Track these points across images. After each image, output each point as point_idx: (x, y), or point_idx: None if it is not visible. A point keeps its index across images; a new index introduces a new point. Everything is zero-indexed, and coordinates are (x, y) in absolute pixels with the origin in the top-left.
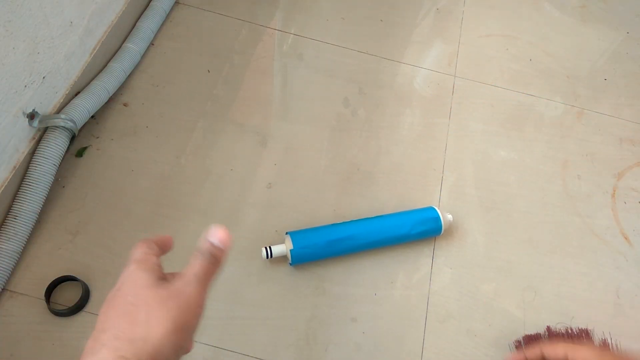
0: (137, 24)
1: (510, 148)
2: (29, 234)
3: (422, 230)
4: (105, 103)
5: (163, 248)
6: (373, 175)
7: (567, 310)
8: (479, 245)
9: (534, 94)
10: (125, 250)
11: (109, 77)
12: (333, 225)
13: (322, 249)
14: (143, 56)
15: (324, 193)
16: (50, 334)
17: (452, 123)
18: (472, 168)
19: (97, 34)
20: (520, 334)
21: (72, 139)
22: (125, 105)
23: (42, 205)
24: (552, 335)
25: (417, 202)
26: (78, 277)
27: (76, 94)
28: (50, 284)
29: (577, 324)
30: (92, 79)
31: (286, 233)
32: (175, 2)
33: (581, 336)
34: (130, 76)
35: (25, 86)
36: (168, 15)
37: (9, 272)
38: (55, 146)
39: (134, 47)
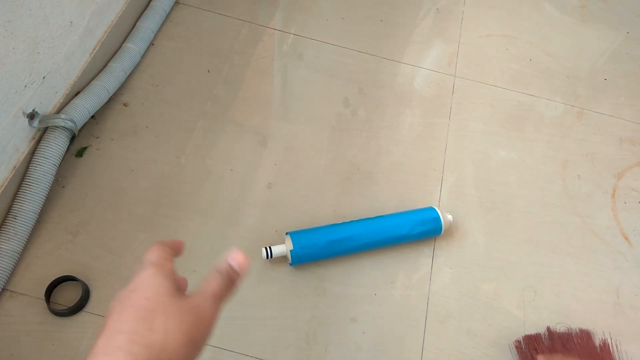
0: (137, 24)
1: (510, 148)
2: (29, 234)
3: (422, 230)
4: (105, 103)
5: (176, 252)
6: (373, 175)
7: (567, 310)
8: (479, 245)
9: (534, 94)
10: (125, 250)
11: (109, 77)
12: (333, 225)
13: (322, 249)
14: (143, 56)
15: (324, 193)
16: (50, 334)
17: (452, 123)
18: (472, 168)
19: (97, 34)
20: (520, 334)
21: (72, 139)
22: (125, 105)
23: (42, 205)
24: (552, 335)
25: (417, 202)
26: (78, 277)
27: (76, 94)
28: (50, 284)
29: (577, 324)
30: (92, 79)
31: (286, 233)
32: (175, 2)
33: (581, 337)
34: (130, 76)
35: (25, 86)
36: (168, 15)
37: (9, 272)
38: (55, 146)
39: (134, 47)
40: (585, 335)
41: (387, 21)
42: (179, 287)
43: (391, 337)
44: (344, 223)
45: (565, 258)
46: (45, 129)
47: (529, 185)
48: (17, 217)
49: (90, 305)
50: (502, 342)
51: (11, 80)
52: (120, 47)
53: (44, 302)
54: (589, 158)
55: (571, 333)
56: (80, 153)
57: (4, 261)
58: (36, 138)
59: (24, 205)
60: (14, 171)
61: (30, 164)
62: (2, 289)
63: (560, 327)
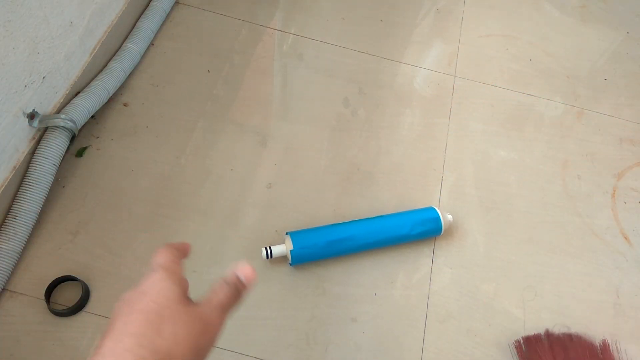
0: (137, 24)
1: (510, 148)
2: (29, 234)
3: (422, 230)
4: (105, 103)
5: (184, 255)
6: (373, 175)
7: (567, 310)
8: (479, 245)
9: (534, 94)
10: (125, 250)
11: (109, 77)
12: (333, 225)
13: (322, 249)
14: (143, 56)
15: (324, 193)
16: (50, 334)
17: (452, 123)
18: (472, 168)
19: (97, 34)
20: (520, 334)
21: (72, 139)
22: (125, 105)
23: (42, 205)
24: (551, 337)
25: (417, 202)
26: (78, 277)
27: (76, 94)
28: (50, 284)
29: (577, 323)
30: (92, 79)
31: (286, 233)
32: (175, 2)
33: (581, 339)
34: (130, 76)
35: (25, 86)
36: (168, 15)
37: (9, 272)
38: (55, 146)
39: (134, 47)
40: (585, 338)
41: (387, 21)
42: (187, 294)
43: (391, 337)
44: (344, 223)
45: (565, 258)
46: (45, 129)
47: (529, 185)
48: (17, 217)
49: (90, 305)
50: (502, 342)
51: (11, 80)
52: (120, 47)
53: (44, 302)
54: (589, 158)
55: (571, 335)
56: (80, 153)
57: (4, 261)
58: (36, 138)
59: (24, 205)
60: (14, 171)
61: (30, 164)
62: (2, 289)
63: (558, 329)
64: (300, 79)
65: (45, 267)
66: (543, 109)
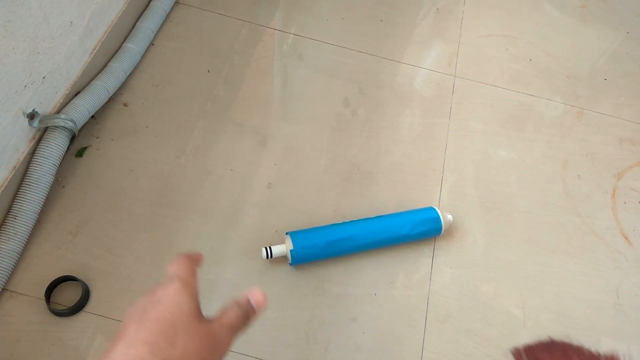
0: (137, 24)
1: (510, 148)
2: (29, 234)
3: (422, 230)
4: (105, 103)
5: (197, 265)
6: (373, 175)
7: (567, 310)
8: (479, 245)
9: (534, 94)
10: (125, 250)
11: (109, 77)
12: (333, 225)
13: (322, 249)
14: (143, 56)
15: (324, 193)
16: (50, 334)
17: (452, 123)
18: (472, 168)
19: (97, 34)
20: (520, 334)
21: (72, 139)
22: (125, 105)
23: (42, 205)
24: (552, 347)
25: (417, 202)
26: (78, 277)
27: (76, 94)
28: (50, 284)
29: (577, 324)
30: (92, 79)
31: (286, 233)
32: (175, 2)
33: (581, 351)
34: (130, 76)
35: (25, 86)
36: (168, 15)
37: (9, 272)
38: (55, 146)
39: (134, 47)
40: (588, 349)
41: (387, 21)
42: (200, 308)
43: (391, 337)
44: (344, 223)
45: (565, 258)
46: (45, 129)
47: (529, 185)
48: (17, 217)
49: (90, 305)
50: (502, 342)
51: (11, 80)
52: (120, 47)
53: (44, 302)
54: (589, 158)
55: (571, 345)
56: (80, 153)
57: (4, 261)
58: (36, 138)
59: (24, 205)
60: (14, 171)
61: (30, 164)
62: (2, 289)
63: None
64: (300, 79)
65: (45, 267)
66: (543, 109)
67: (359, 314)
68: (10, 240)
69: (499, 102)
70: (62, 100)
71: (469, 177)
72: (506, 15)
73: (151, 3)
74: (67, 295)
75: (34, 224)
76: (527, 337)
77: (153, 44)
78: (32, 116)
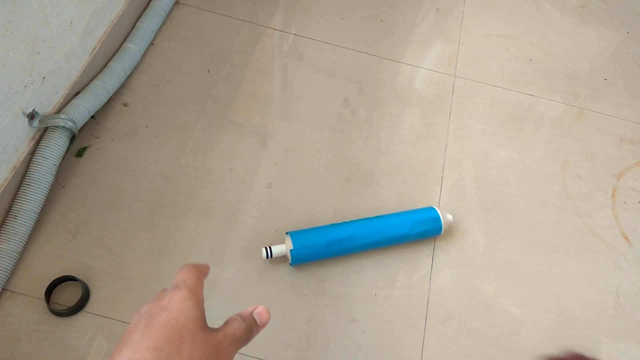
0: (137, 24)
1: (510, 148)
2: (29, 234)
3: (422, 230)
4: (105, 103)
5: (205, 276)
6: (373, 175)
7: (567, 310)
8: (479, 245)
9: (534, 94)
10: (125, 250)
11: (109, 77)
12: (333, 225)
13: (322, 249)
14: (143, 56)
15: (324, 193)
16: (50, 334)
17: (452, 123)
18: (472, 168)
19: (97, 34)
20: (520, 334)
21: (72, 139)
22: (125, 105)
23: (42, 205)
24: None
25: (417, 202)
26: (78, 277)
27: (76, 94)
28: (50, 284)
29: (577, 324)
30: (92, 79)
31: (286, 233)
32: (175, 2)
33: None
34: (130, 76)
35: (25, 86)
36: (168, 15)
37: (9, 272)
38: (55, 146)
39: (134, 47)
40: None
41: (387, 21)
42: (205, 318)
43: (391, 337)
44: (343, 223)
45: (565, 258)
46: (45, 129)
47: (529, 185)
48: (17, 217)
49: (90, 305)
50: (502, 342)
51: (11, 80)
52: (120, 47)
53: (44, 302)
54: (589, 158)
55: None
56: (80, 153)
57: (4, 261)
58: (36, 138)
59: (24, 205)
60: (14, 171)
61: (30, 164)
62: (2, 289)
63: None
64: (300, 79)
65: (45, 267)
66: (543, 109)
67: (359, 314)
68: (10, 240)
69: (499, 102)
70: (62, 100)
71: (469, 177)
72: (506, 15)
73: (151, 3)
74: (67, 295)
75: (34, 224)
76: (527, 337)
77: (153, 44)
78: (32, 116)
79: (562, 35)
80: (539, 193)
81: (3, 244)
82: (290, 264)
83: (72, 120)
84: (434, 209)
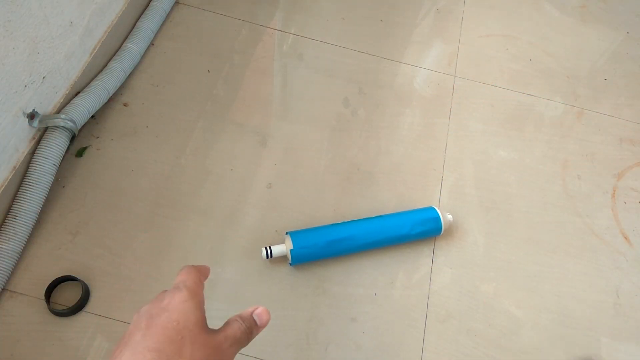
0: (137, 24)
1: (510, 148)
2: (29, 234)
3: (422, 230)
4: (105, 103)
5: (205, 278)
6: (373, 175)
7: (567, 310)
8: (479, 245)
9: (534, 94)
10: (125, 250)
11: (109, 77)
12: (333, 225)
13: (322, 249)
14: (143, 56)
15: (324, 193)
16: (50, 334)
17: (452, 123)
18: (472, 168)
19: (97, 34)
20: (520, 334)
21: (72, 139)
22: (125, 105)
23: (42, 205)
24: None
25: (417, 202)
26: (78, 277)
27: (76, 94)
28: (50, 284)
29: (577, 324)
30: (92, 79)
31: (286, 233)
32: (175, 2)
33: None
34: (130, 76)
35: (25, 86)
36: (168, 15)
37: (9, 272)
38: (55, 146)
39: (134, 47)
40: None
41: (387, 21)
42: (206, 319)
43: (391, 337)
44: (343, 223)
45: (565, 258)
46: (45, 129)
47: (529, 185)
48: (17, 217)
49: (90, 305)
50: (502, 342)
51: (11, 80)
52: (120, 47)
53: (44, 302)
54: (589, 158)
55: None
56: (80, 153)
57: (4, 261)
58: (36, 138)
59: (24, 205)
60: (14, 171)
61: (30, 164)
62: (2, 289)
63: None
64: (300, 79)
65: (45, 267)
66: (543, 109)
67: (359, 314)
68: (10, 240)
69: (499, 102)
70: (62, 100)
71: (469, 177)
72: (506, 15)
73: (151, 3)
74: (67, 295)
75: (34, 224)
76: (527, 337)
77: (153, 44)
78: (32, 116)
79: (562, 35)
80: (539, 193)
81: (3, 244)
82: (290, 264)
83: (72, 120)
84: (434, 209)
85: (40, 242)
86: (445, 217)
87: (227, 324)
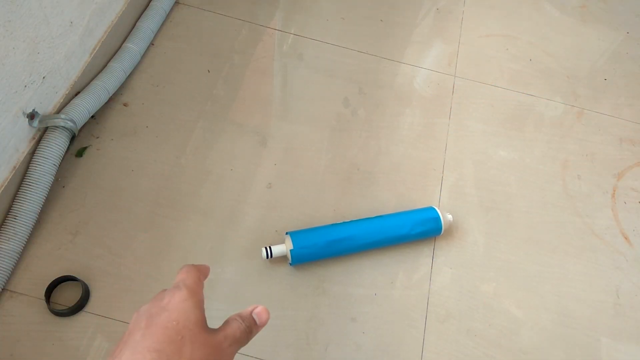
0: (137, 24)
1: (510, 148)
2: (29, 234)
3: (422, 230)
4: (105, 103)
5: (205, 277)
6: (373, 175)
7: (567, 310)
8: (479, 245)
9: (534, 94)
10: (125, 250)
11: (109, 77)
12: (333, 225)
13: (322, 249)
14: (143, 56)
15: (324, 193)
16: (50, 334)
17: (452, 123)
18: (472, 168)
19: (97, 34)
20: (520, 334)
21: (72, 139)
22: (125, 105)
23: (42, 205)
24: None
25: (417, 202)
26: (78, 277)
27: (76, 94)
28: (50, 284)
29: (577, 324)
30: (92, 78)
31: (286, 233)
32: (175, 2)
33: None
34: (130, 76)
35: (25, 86)
36: (168, 15)
37: (9, 272)
38: (55, 146)
39: (134, 47)
40: None
41: (387, 21)
42: (205, 319)
43: (391, 337)
44: (343, 223)
45: (565, 258)
46: (45, 129)
47: (529, 185)
48: (17, 217)
49: (90, 305)
50: (502, 342)
51: (11, 80)
52: (120, 47)
53: (44, 302)
54: (589, 158)
55: None
56: (80, 153)
57: (4, 261)
58: (36, 138)
59: (24, 205)
60: (14, 171)
61: (30, 164)
62: (2, 289)
63: None
64: (300, 79)
65: (45, 267)
66: (543, 109)
67: (359, 314)
68: (10, 240)
69: (499, 102)
70: (62, 100)
71: (469, 177)
72: (506, 15)
73: (151, 3)
74: (67, 295)
75: (34, 224)
76: (527, 337)
77: (153, 44)
78: (32, 116)
79: (562, 35)
80: (539, 193)
81: (3, 244)
82: (290, 264)
83: (72, 120)
84: (434, 209)
85: (40, 242)
86: (445, 217)
87: (226, 323)
